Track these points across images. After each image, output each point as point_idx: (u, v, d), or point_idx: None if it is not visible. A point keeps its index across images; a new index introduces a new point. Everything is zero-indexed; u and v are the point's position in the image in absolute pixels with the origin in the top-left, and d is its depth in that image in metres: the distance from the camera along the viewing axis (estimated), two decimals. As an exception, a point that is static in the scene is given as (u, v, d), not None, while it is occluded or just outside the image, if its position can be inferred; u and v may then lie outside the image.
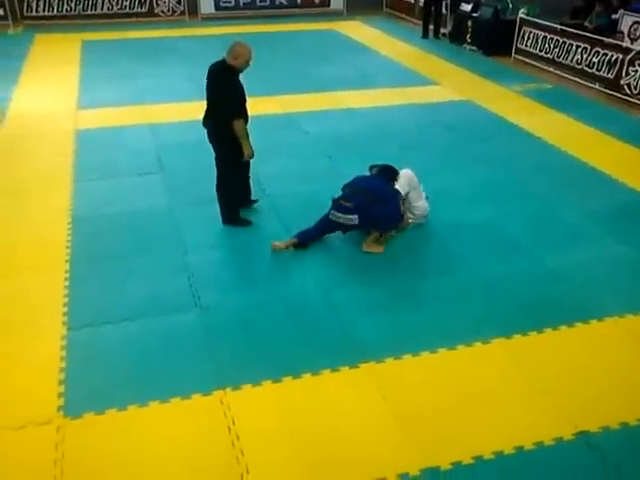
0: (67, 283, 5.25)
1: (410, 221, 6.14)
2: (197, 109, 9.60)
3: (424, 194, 6.22)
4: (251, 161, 6.08)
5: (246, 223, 6.21)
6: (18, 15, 15.86)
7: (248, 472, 3.58)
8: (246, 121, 5.80)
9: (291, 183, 6.79)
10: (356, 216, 5.60)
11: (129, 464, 3.62)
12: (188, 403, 4.05)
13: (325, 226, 5.83)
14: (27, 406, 3.98)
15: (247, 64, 5.66)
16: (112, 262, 5.57)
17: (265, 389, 4.18)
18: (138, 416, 3.94)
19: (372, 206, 5.60)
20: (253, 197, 6.57)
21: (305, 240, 5.82)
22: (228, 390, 4.15)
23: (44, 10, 15.99)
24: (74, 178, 7.23)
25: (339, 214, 5.67)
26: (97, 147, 8.15)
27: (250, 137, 5.86)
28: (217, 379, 4.23)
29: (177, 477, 3.55)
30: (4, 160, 7.78)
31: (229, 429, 3.86)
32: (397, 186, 5.93)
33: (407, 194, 6.01)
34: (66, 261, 5.55)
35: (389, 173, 5.99)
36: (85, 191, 6.90)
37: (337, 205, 5.69)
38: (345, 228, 5.79)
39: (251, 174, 6.35)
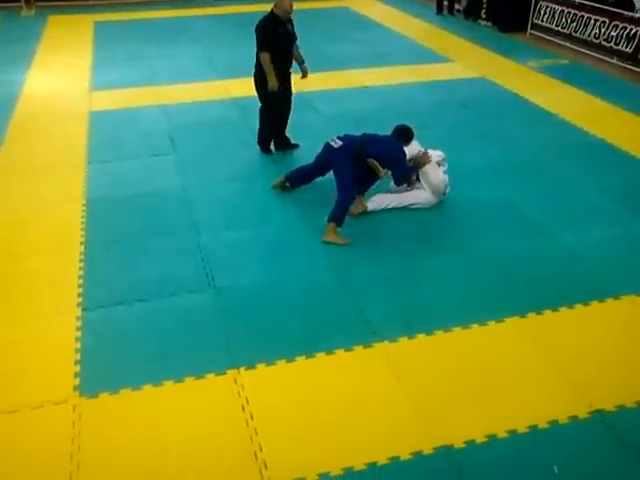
0: (81, 264, 5.28)
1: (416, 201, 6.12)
2: (210, 89, 9.69)
3: (446, 177, 6.15)
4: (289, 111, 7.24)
5: (268, 151, 7.29)
6: (31, -3, 15.86)
7: (262, 450, 3.60)
8: (285, 65, 6.88)
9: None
10: (341, 143, 5.78)
11: (144, 442, 3.66)
12: (202, 383, 4.07)
13: (313, 163, 6.12)
14: (44, 386, 4.03)
15: (286, 13, 6.65)
16: (126, 243, 5.59)
17: (279, 368, 4.20)
18: (152, 395, 3.97)
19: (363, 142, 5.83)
20: (293, 142, 7.48)
21: (291, 177, 6.30)
22: (242, 370, 4.17)
23: (56, -9, 15.98)
24: (88, 160, 7.24)
25: (334, 138, 5.89)
26: (110, 128, 8.15)
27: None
28: (231, 359, 4.25)
29: (191, 455, 3.58)
30: (18, 141, 7.80)
31: (243, 408, 3.88)
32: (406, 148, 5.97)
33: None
34: (81, 243, 5.58)
35: (402, 134, 6.08)
36: (99, 172, 6.92)
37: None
38: (327, 156, 5.88)
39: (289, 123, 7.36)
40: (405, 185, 6.14)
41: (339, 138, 5.87)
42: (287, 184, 6.39)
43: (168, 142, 7.75)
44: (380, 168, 5.82)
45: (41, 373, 4.14)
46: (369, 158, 5.80)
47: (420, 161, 5.99)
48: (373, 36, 12.90)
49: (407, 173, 5.94)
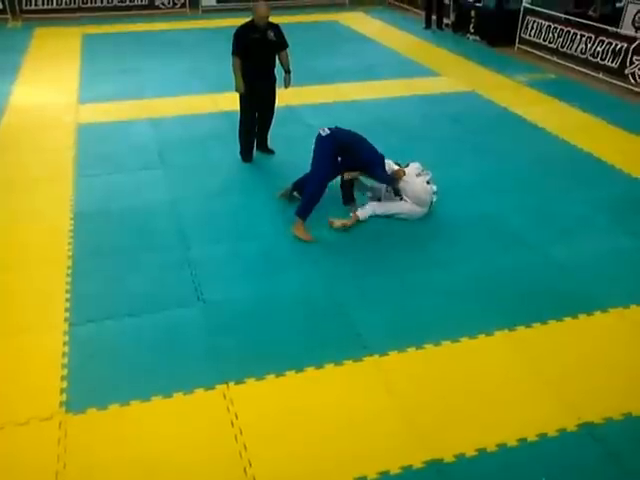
0: (69, 279, 5.24)
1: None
2: (200, 102, 9.68)
3: (431, 185, 6.18)
4: (272, 118, 7.47)
5: (247, 158, 7.45)
6: (17, 9, 15.72)
7: (251, 466, 3.57)
8: (256, 67, 6.95)
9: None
10: (329, 131, 5.91)
11: (131, 459, 3.62)
12: (191, 398, 4.04)
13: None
14: (30, 402, 3.98)
15: (261, 19, 6.77)
16: (114, 257, 5.56)
17: (268, 383, 4.18)
18: (141, 411, 3.94)
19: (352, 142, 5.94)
20: (270, 147, 7.68)
21: (297, 184, 6.31)
22: (231, 384, 4.14)
23: (43, 3, 15.87)
24: (76, 173, 7.20)
25: (324, 127, 6.00)
26: (98, 142, 8.12)
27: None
28: (220, 373, 4.23)
29: (180, 472, 3.55)
30: (5, 154, 7.75)
31: (232, 423, 3.85)
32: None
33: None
34: (68, 256, 5.54)
35: None
36: (87, 186, 6.88)
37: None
38: (315, 144, 5.94)
39: (270, 131, 7.57)
40: (393, 194, 6.20)
41: (329, 128, 5.97)
42: (294, 193, 6.42)
43: (157, 156, 7.73)
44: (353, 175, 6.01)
45: (27, 389, 4.10)
46: (346, 168, 5.96)
47: (395, 177, 6.05)
48: (362, 50, 12.98)
49: (386, 177, 5.99)
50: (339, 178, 6.18)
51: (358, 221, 6.02)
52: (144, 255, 5.60)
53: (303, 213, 5.89)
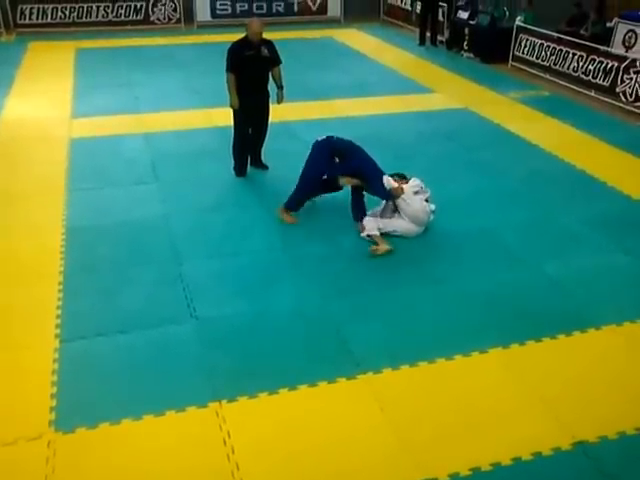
0: (60, 294, 5.19)
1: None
2: (194, 117, 9.69)
3: (427, 203, 6.17)
4: (265, 134, 7.49)
5: (241, 173, 7.49)
6: (11, 23, 15.70)
7: (243, 486, 3.53)
8: (249, 83, 6.99)
9: (288, 193, 6.71)
10: (325, 137, 6.26)
11: (122, 479, 3.56)
12: (183, 416, 4.00)
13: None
14: (18, 421, 3.92)
15: (254, 35, 6.86)
16: (106, 273, 5.52)
17: (261, 401, 4.13)
18: (132, 430, 3.88)
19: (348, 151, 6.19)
20: (264, 163, 7.70)
21: (290, 204, 6.36)
22: (224, 402, 4.10)
23: (38, 18, 15.86)
24: (68, 187, 7.17)
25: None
26: (91, 156, 8.09)
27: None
28: (212, 391, 4.19)
29: (171, 492, 3.50)
30: (-3, 169, 7.72)
31: (224, 442, 3.81)
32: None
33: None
34: (60, 272, 5.50)
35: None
36: (79, 201, 6.85)
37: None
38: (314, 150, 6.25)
39: (264, 146, 7.59)
40: (391, 208, 6.18)
41: (327, 135, 6.24)
42: (287, 210, 6.41)
43: (150, 170, 7.70)
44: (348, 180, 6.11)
45: (15, 407, 4.04)
46: (343, 174, 6.09)
47: (393, 194, 6.03)
48: (357, 66, 13.03)
49: (382, 191, 6.01)
50: (349, 196, 6.24)
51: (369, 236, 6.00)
52: (136, 270, 5.56)
53: (289, 205, 6.27)
